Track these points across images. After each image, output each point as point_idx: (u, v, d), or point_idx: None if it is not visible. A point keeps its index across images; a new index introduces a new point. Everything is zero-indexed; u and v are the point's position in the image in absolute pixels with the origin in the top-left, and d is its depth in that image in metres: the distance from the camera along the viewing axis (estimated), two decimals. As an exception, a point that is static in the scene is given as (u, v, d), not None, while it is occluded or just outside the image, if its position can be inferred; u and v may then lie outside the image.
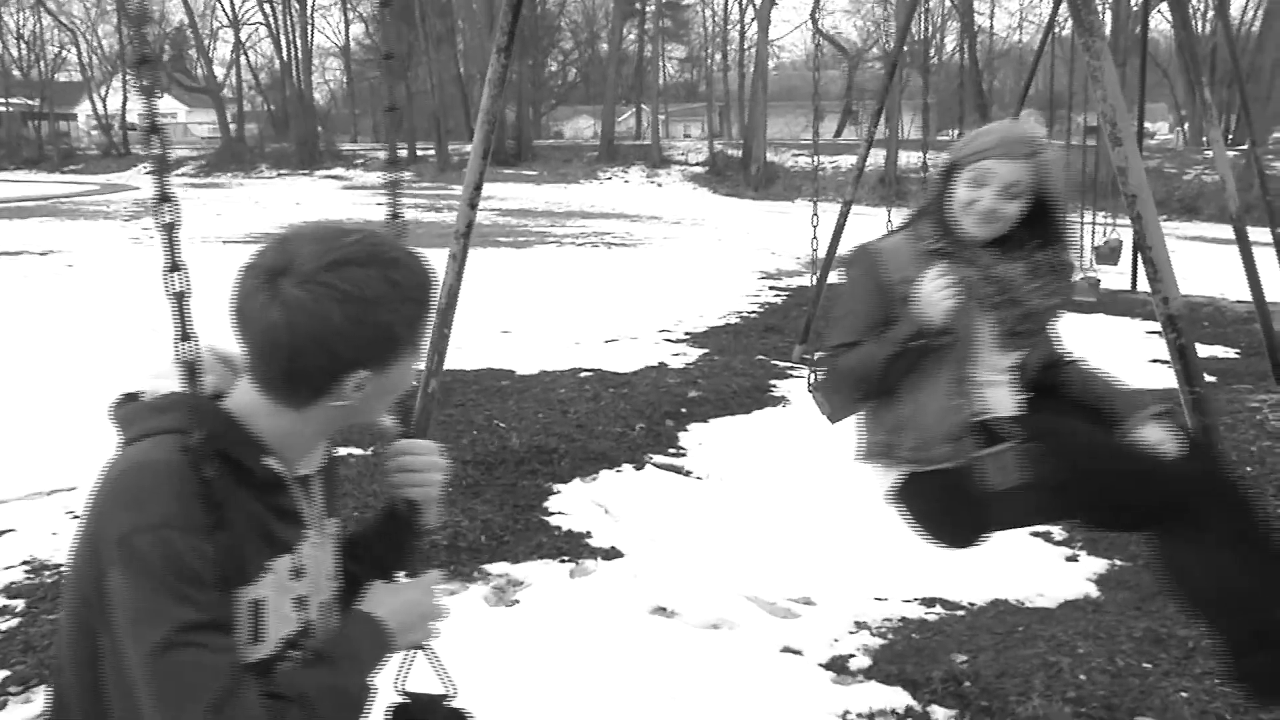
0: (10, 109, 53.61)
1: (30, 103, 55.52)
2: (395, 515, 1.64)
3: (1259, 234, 9.54)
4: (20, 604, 3.99)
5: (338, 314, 1.31)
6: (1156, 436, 2.40)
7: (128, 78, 52.02)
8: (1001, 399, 2.49)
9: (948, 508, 2.50)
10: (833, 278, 8.79)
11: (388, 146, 1.97)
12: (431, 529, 1.69)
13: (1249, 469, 5.84)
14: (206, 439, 1.31)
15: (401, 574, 1.62)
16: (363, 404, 1.42)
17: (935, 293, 2.30)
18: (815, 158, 6.50)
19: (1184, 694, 3.32)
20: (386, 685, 1.59)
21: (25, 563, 4.42)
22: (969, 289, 2.35)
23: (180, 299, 1.38)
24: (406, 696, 1.64)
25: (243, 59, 55.92)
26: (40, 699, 3.29)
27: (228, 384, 1.44)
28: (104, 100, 54.34)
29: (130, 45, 46.56)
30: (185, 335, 1.38)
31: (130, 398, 1.48)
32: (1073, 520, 2.61)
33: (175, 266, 1.38)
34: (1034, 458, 2.32)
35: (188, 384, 1.37)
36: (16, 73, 56.15)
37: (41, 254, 16.90)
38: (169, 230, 1.40)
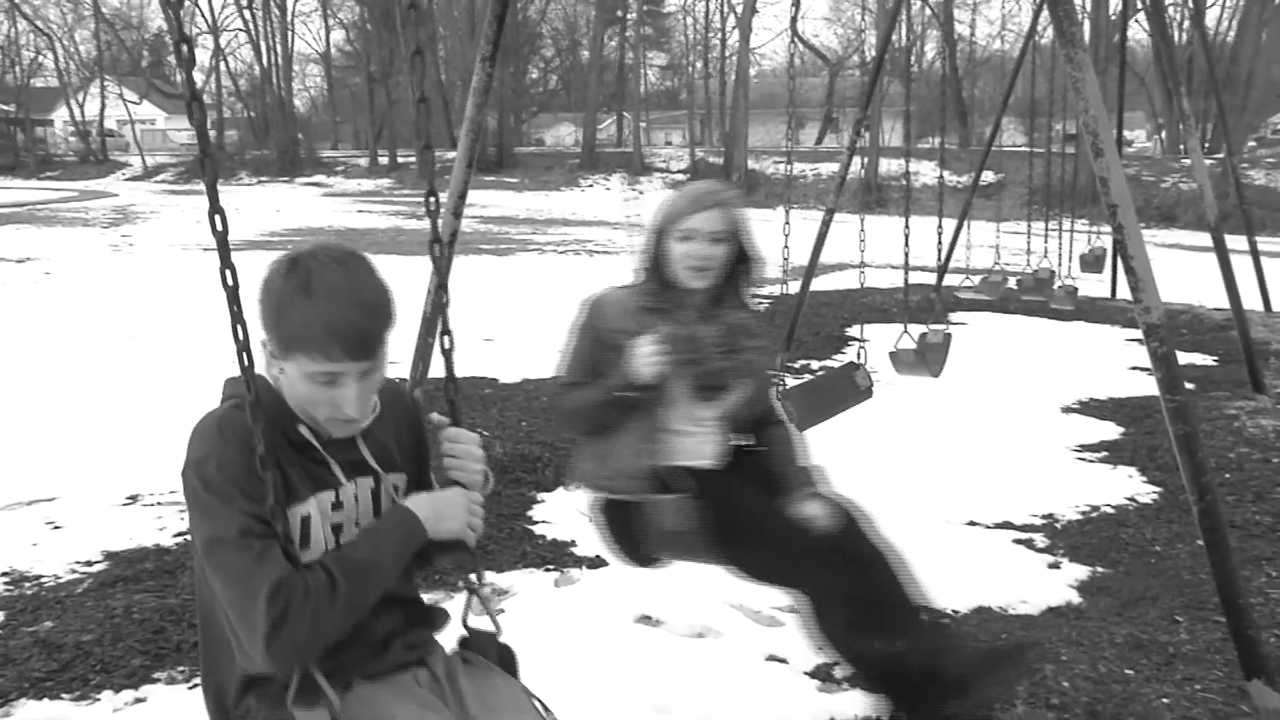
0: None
1: (5, 108, 55.09)
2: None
3: (1236, 242, 9.64)
4: (0, 616, 3.95)
5: (276, 281, 1.79)
6: (813, 511, 2.74)
7: (106, 83, 51.74)
8: (697, 447, 2.86)
9: (625, 533, 2.89)
10: (815, 285, 8.83)
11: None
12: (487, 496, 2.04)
13: (1227, 475, 5.89)
14: (254, 405, 1.72)
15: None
16: (288, 379, 1.83)
17: (645, 355, 2.65)
18: (789, 167, 6.51)
19: (1165, 700, 3.35)
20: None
21: (4, 574, 4.38)
22: (673, 346, 2.69)
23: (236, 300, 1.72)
24: (467, 630, 2.09)
25: (222, 65, 55.65)
26: (19, 713, 3.26)
27: None
28: (81, 106, 53.96)
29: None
30: (247, 335, 1.73)
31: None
32: (728, 569, 2.85)
33: (229, 265, 1.70)
34: (698, 511, 2.70)
35: (247, 372, 1.74)
36: (-8, 78, 55.76)
37: (18, 261, 16.78)
38: (223, 237, 1.71)
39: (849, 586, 2.66)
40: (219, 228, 1.68)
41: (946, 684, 2.66)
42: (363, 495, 1.92)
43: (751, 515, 2.73)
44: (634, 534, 2.84)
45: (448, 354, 2.05)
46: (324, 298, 1.74)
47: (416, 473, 2.05)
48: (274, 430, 1.79)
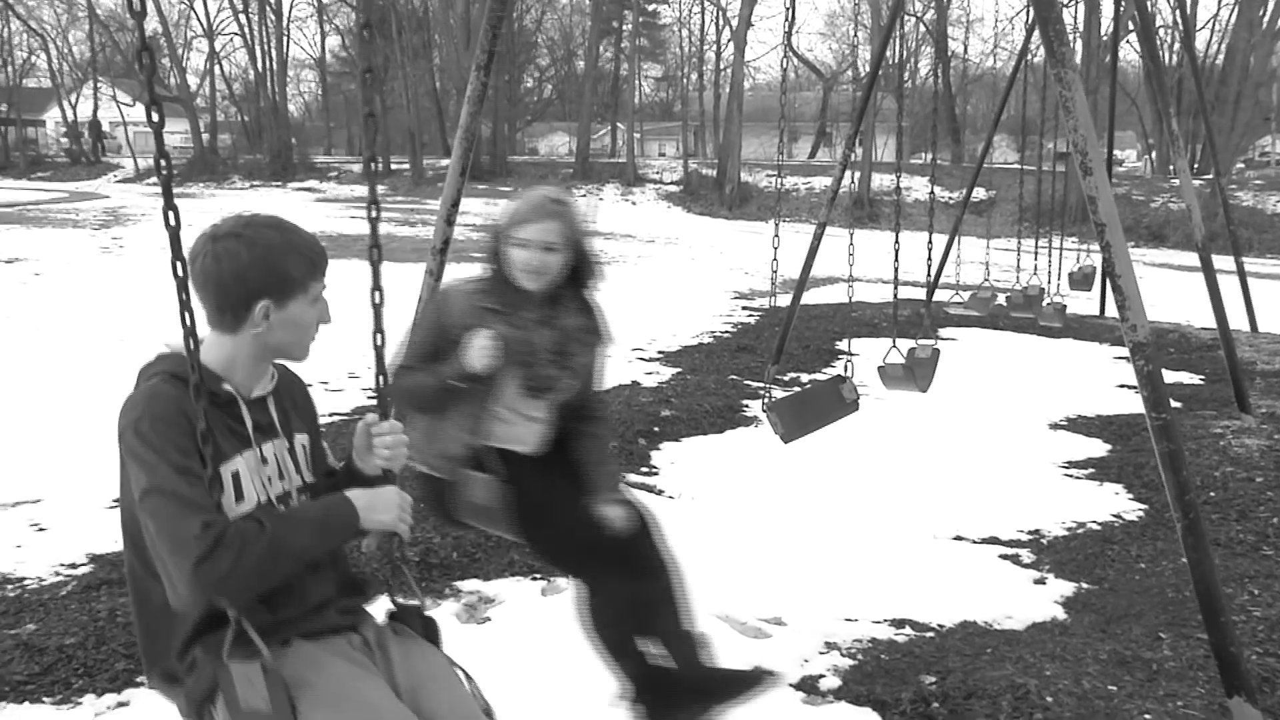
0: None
1: (-1, 108, 54.85)
2: (353, 472, 2.20)
3: (1223, 262, 9.71)
4: (-18, 617, 3.93)
5: (245, 255, 1.94)
6: (612, 513, 2.95)
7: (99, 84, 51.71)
8: (519, 434, 3.05)
9: (439, 501, 3.10)
10: (806, 298, 8.85)
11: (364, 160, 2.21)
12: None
13: (1212, 494, 5.92)
14: (197, 385, 1.88)
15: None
16: (273, 332, 2.00)
17: (478, 350, 2.83)
18: (779, 180, 6.52)
19: (1148, 715, 3.36)
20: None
21: (-12, 575, 4.36)
22: (506, 347, 2.88)
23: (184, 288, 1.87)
24: (395, 604, 2.26)
25: (217, 69, 55.57)
26: (9, 715, 3.25)
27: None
28: (74, 107, 53.81)
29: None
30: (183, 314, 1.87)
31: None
32: (524, 546, 3.12)
33: (179, 256, 1.85)
34: (504, 492, 2.94)
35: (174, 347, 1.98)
36: (-16, 77, 55.47)
37: (7, 261, 16.71)
38: (175, 228, 1.86)
39: (628, 587, 2.94)
40: None
41: (687, 690, 2.95)
42: (281, 453, 2.09)
43: (552, 503, 2.98)
44: (446, 502, 3.06)
45: (379, 350, 2.17)
46: (293, 231, 2.02)
47: (313, 434, 2.21)
48: (203, 394, 1.93)
